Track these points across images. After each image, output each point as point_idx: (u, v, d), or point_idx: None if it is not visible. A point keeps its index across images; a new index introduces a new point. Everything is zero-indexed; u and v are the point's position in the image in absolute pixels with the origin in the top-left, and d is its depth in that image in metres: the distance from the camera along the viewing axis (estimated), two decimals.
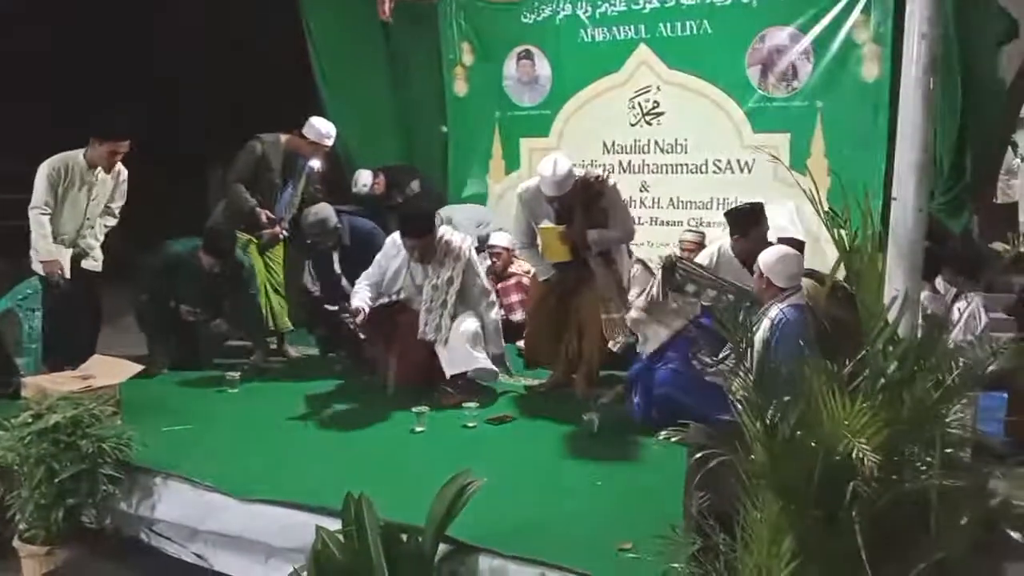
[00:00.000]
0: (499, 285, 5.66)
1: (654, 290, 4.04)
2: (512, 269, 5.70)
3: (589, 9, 5.99)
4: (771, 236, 4.41)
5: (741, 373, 2.12)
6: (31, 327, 4.74)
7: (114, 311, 5.40)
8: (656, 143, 5.91)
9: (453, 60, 6.62)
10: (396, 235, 4.58)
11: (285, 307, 5.54)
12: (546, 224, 4.45)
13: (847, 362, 2.02)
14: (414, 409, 4.07)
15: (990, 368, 2.03)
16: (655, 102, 5.87)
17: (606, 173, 4.84)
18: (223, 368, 4.87)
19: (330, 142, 5.46)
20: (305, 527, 2.92)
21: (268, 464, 3.58)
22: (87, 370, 4.06)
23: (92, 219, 4.92)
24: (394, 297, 4.64)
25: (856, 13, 5.15)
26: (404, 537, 2.71)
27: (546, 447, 3.85)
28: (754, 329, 2.43)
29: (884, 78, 5.04)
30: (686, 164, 5.83)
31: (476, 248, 4.81)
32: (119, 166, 4.94)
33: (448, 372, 4.44)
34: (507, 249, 5.58)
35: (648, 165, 5.97)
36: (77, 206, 4.82)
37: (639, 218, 5.76)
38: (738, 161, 5.62)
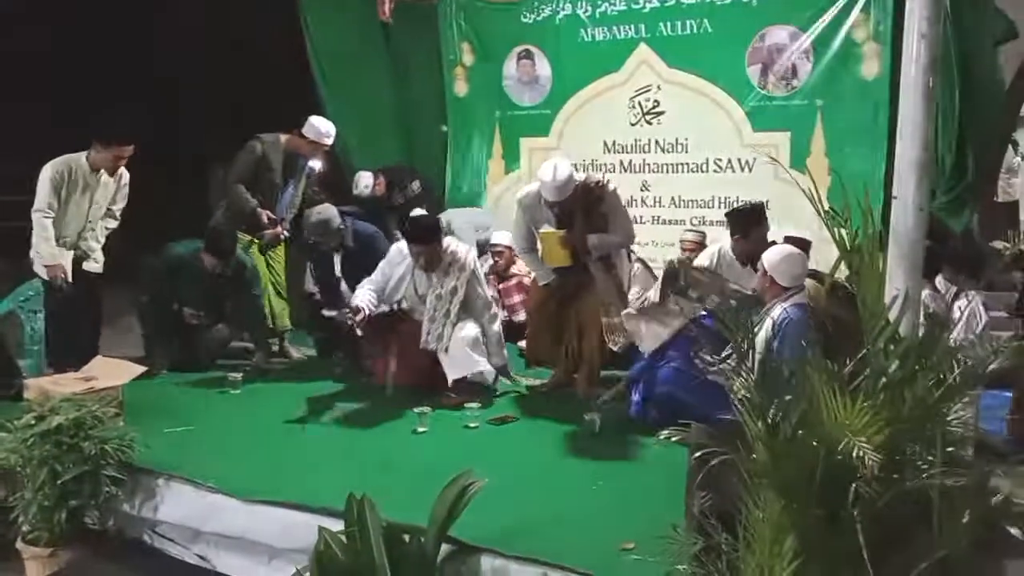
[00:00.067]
0: (501, 285, 5.66)
1: (652, 294, 4.05)
2: (514, 269, 5.69)
3: (589, 8, 5.98)
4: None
5: (743, 372, 2.12)
6: (33, 329, 4.75)
7: (115, 313, 5.40)
8: (656, 142, 5.90)
9: (453, 60, 6.61)
10: (402, 244, 4.57)
11: (286, 308, 5.54)
12: (546, 229, 4.45)
13: (848, 361, 2.03)
14: (416, 410, 4.08)
15: (991, 367, 2.04)
16: (655, 101, 5.87)
17: (605, 176, 4.84)
18: (225, 369, 4.88)
19: (330, 141, 5.46)
20: (307, 528, 2.92)
21: (271, 465, 3.57)
22: (89, 371, 4.06)
23: (94, 221, 4.92)
24: (395, 306, 4.64)
25: (856, 12, 5.14)
26: (406, 538, 2.71)
27: (548, 447, 3.85)
28: (756, 328, 2.44)
29: (884, 76, 5.04)
30: (686, 163, 5.83)
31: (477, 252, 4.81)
32: (121, 168, 4.93)
33: (450, 377, 4.44)
34: (509, 248, 5.53)
35: (648, 164, 5.96)
36: (79, 209, 4.82)
37: (640, 217, 5.77)
38: (739, 160, 5.62)
